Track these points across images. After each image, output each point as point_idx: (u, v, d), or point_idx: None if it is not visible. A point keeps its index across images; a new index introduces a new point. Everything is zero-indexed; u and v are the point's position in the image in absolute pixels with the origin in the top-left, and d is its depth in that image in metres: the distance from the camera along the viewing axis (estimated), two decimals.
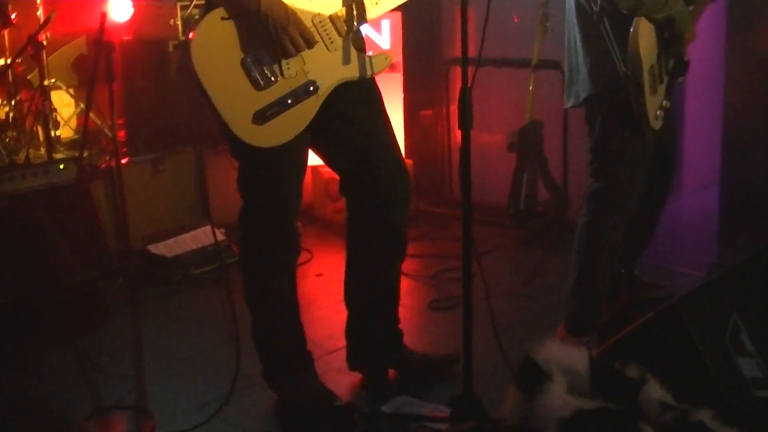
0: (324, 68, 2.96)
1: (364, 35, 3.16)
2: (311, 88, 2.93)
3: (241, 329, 3.38)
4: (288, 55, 2.88)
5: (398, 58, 5.74)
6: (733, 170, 4.91)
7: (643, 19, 3.38)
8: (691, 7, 3.62)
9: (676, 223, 5.31)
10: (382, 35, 5.74)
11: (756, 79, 4.78)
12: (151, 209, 5.15)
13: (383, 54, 3.11)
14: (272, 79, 2.87)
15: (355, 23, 2.99)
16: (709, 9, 3.88)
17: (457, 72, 5.64)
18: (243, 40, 2.85)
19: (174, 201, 5.25)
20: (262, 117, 2.86)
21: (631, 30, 3.36)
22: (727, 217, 4.95)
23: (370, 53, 3.06)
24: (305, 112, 2.94)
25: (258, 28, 2.83)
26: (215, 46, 2.83)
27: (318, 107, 2.96)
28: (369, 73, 3.05)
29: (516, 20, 5.77)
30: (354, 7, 2.98)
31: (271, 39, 2.84)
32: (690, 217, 5.61)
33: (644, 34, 3.40)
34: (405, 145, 5.86)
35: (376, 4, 2.99)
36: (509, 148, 5.43)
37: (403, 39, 5.75)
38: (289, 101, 2.90)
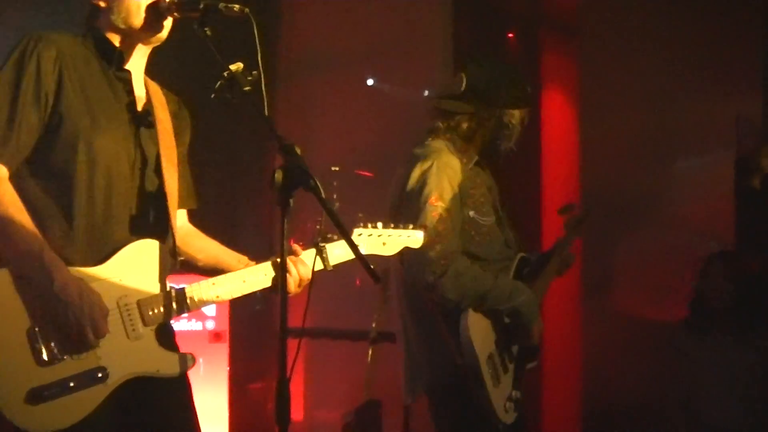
0: (119, 357, 2.87)
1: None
2: (99, 375, 2.83)
3: None
4: (74, 351, 2.79)
5: (224, 326, 5.84)
6: None
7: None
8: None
9: None
10: None
11: (614, 341, 5.11)
12: None
13: (189, 354, 3.05)
14: (58, 356, 2.78)
15: (170, 315, 2.96)
16: (566, 278, 4.15)
17: (292, 343, 5.74)
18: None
19: None
20: (37, 397, 2.74)
21: (461, 319, 3.55)
22: None
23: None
24: (88, 400, 2.82)
25: (48, 307, 2.76)
26: (1, 309, 2.77)
27: (103, 398, 2.84)
28: (177, 370, 2.98)
29: (358, 283, 6.04)
30: (173, 295, 2.96)
31: (60, 323, 2.77)
32: None
33: (476, 323, 3.58)
34: (230, 423, 5.81)
35: (192, 298, 2.98)
36: (345, 429, 5.52)
37: (230, 305, 5.82)
38: (72, 384, 2.79)
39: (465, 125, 3.83)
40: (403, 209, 3.71)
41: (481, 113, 3.82)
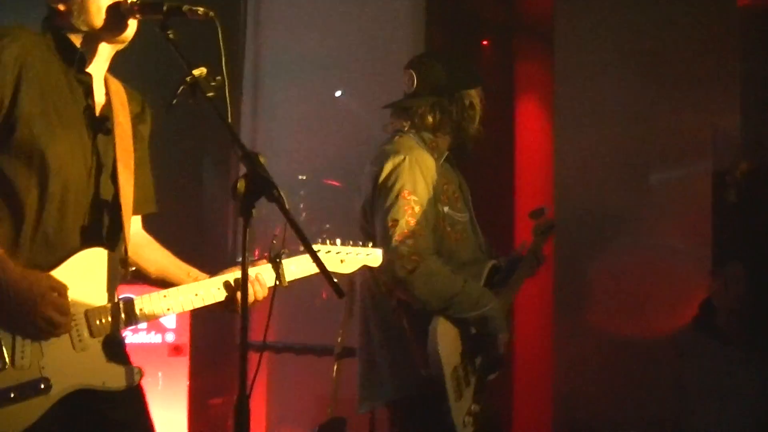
0: (63, 368, 2.82)
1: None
2: (41, 386, 2.77)
3: None
4: (50, 335, 2.77)
5: (184, 339, 5.77)
6: None
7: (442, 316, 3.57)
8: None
9: None
10: None
11: (586, 358, 5.14)
12: None
13: (137, 368, 3.00)
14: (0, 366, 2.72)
15: (118, 326, 2.92)
16: (539, 294, 4.16)
17: (254, 358, 5.69)
18: None
19: None
20: None
21: (430, 329, 3.52)
22: None
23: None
24: (29, 412, 2.76)
25: (4, 305, 2.73)
26: None
27: (45, 410, 2.78)
28: (123, 384, 2.93)
29: (324, 296, 6.01)
30: (121, 307, 2.92)
31: (21, 318, 2.74)
32: None
33: (445, 333, 3.56)
34: None
35: (141, 310, 2.95)
36: None
37: (190, 317, 5.75)
38: (12, 395, 2.73)
39: (430, 118, 3.85)
40: (376, 205, 3.70)
41: (442, 101, 3.84)
